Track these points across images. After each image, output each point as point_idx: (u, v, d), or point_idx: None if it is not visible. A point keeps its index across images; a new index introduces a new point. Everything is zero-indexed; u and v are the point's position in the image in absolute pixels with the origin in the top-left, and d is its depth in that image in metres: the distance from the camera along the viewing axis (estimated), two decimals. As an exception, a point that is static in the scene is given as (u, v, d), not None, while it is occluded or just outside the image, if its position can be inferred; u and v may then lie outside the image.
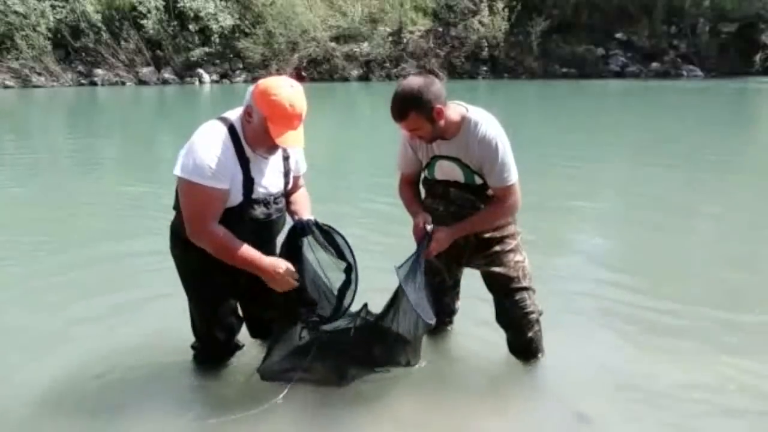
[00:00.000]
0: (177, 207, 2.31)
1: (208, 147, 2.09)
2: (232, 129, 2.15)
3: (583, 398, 2.44)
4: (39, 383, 2.57)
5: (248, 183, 2.19)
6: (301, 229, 2.32)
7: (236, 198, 2.19)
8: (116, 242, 4.46)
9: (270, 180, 2.28)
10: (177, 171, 2.11)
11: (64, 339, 2.96)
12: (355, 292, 2.34)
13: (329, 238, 2.32)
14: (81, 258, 4.15)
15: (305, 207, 2.43)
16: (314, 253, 2.37)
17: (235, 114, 2.22)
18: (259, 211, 2.25)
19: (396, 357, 2.46)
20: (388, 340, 2.38)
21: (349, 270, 2.32)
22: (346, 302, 2.35)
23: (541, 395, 2.52)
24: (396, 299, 2.33)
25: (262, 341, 2.75)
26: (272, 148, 2.19)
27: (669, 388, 2.50)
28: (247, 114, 2.12)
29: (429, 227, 2.34)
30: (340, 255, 2.32)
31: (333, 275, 2.40)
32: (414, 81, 2.21)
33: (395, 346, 2.41)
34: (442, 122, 2.24)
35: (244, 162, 2.16)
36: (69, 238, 4.62)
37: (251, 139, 2.15)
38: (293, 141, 2.11)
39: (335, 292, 2.39)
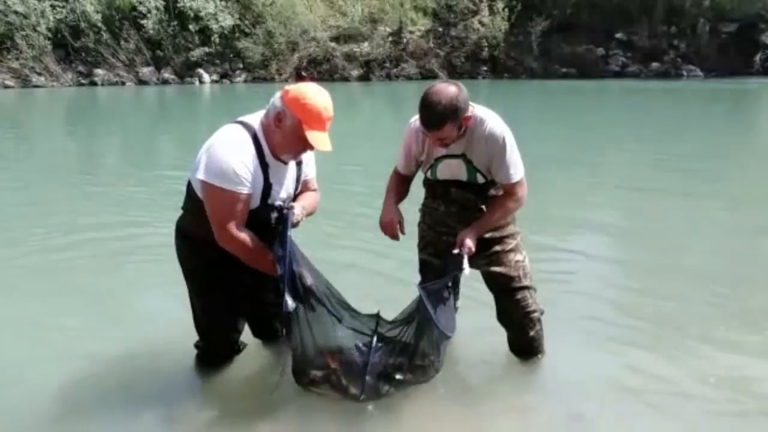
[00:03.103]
0: (187, 207, 2.34)
1: (233, 152, 2.12)
2: (254, 134, 2.19)
3: (583, 398, 2.44)
4: (43, 382, 2.57)
5: (267, 188, 2.23)
6: (280, 213, 2.27)
7: (254, 202, 2.22)
8: (118, 241, 4.47)
9: (285, 185, 2.33)
10: (201, 175, 2.13)
11: (66, 338, 2.96)
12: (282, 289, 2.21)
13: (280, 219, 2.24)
14: (83, 257, 4.16)
15: (302, 200, 2.41)
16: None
17: (254, 119, 2.24)
18: (272, 216, 2.28)
19: (426, 372, 2.44)
20: (415, 355, 2.38)
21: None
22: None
23: (540, 395, 2.52)
24: (417, 315, 2.31)
25: (265, 340, 2.76)
26: (301, 151, 2.25)
27: (669, 389, 2.51)
28: (277, 119, 2.15)
29: (455, 250, 2.33)
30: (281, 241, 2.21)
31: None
32: (450, 91, 2.18)
33: (423, 360, 2.41)
34: (464, 128, 2.26)
35: (264, 167, 2.20)
36: (69, 238, 4.61)
37: (278, 145, 2.19)
38: (325, 143, 2.17)
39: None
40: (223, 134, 2.18)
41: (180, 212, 2.44)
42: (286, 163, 2.28)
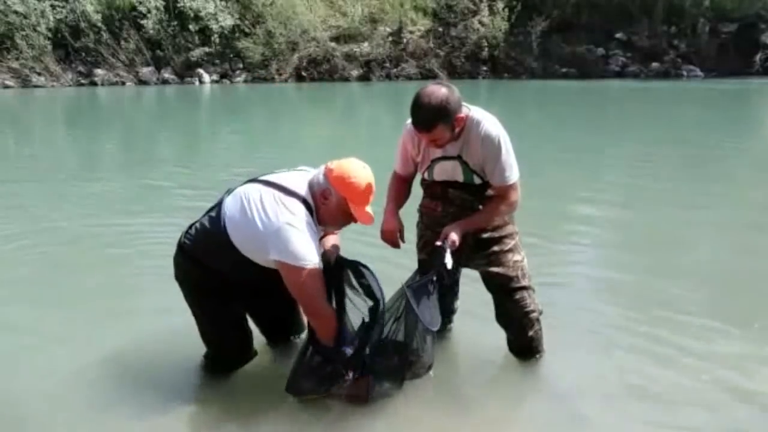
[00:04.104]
0: (218, 247, 2.32)
1: (308, 236, 2.20)
2: (309, 209, 2.26)
3: (582, 398, 2.45)
4: (43, 383, 2.59)
5: None
6: (339, 266, 2.39)
7: None
8: (124, 243, 4.47)
9: None
10: (284, 258, 2.18)
11: (72, 342, 2.97)
12: (380, 332, 2.34)
13: (358, 274, 2.36)
14: (91, 259, 4.17)
15: (332, 243, 2.51)
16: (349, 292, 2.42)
17: (297, 184, 2.30)
18: None
19: (419, 367, 2.47)
20: (406, 352, 2.40)
21: (375, 309, 2.31)
22: (370, 342, 2.33)
23: (540, 395, 2.53)
24: (404, 313, 2.34)
25: (271, 340, 2.79)
26: (345, 225, 2.38)
27: (668, 389, 2.52)
28: (323, 197, 2.27)
29: (438, 243, 2.35)
30: (368, 293, 2.33)
31: (353, 314, 2.42)
32: (440, 93, 2.20)
33: (414, 355, 2.43)
34: (458, 129, 2.26)
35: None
36: (72, 239, 4.62)
37: (325, 218, 2.32)
38: (368, 217, 2.29)
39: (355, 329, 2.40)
40: (292, 216, 2.20)
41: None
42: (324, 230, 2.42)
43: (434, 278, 2.38)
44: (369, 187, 2.27)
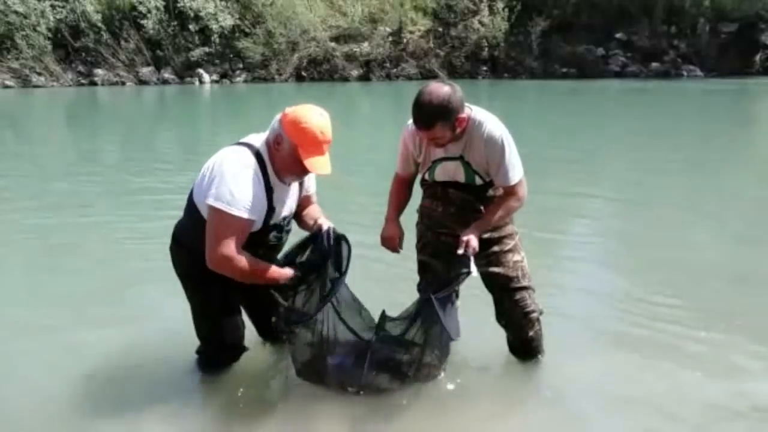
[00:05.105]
0: (188, 222, 2.33)
1: (244, 181, 2.12)
2: (260, 159, 2.19)
3: (582, 398, 2.45)
4: (39, 382, 2.58)
5: (270, 212, 2.24)
6: (329, 238, 2.34)
7: (257, 226, 2.23)
8: (120, 242, 4.48)
9: (288, 204, 2.35)
10: (211, 201, 2.12)
11: (70, 341, 2.96)
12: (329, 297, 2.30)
13: (338, 246, 2.33)
14: (87, 258, 4.17)
15: (322, 215, 2.46)
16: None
17: (258, 140, 2.24)
18: (272, 236, 2.32)
19: (432, 371, 2.48)
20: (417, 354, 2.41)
21: (335, 280, 2.29)
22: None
23: (540, 395, 2.53)
24: (426, 319, 2.33)
25: (268, 340, 2.77)
26: (301, 175, 2.26)
27: (668, 389, 2.51)
28: (276, 143, 2.17)
29: (460, 251, 2.32)
30: (337, 266, 2.31)
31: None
32: (441, 91, 2.19)
33: (432, 360, 2.44)
34: (459, 129, 2.26)
35: (269, 192, 2.21)
36: (72, 238, 4.62)
37: (279, 168, 2.21)
38: (322, 167, 2.16)
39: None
40: (232, 160, 2.16)
41: (173, 220, 2.46)
42: (288, 184, 2.30)
43: (458, 289, 2.37)
44: (323, 134, 2.13)
